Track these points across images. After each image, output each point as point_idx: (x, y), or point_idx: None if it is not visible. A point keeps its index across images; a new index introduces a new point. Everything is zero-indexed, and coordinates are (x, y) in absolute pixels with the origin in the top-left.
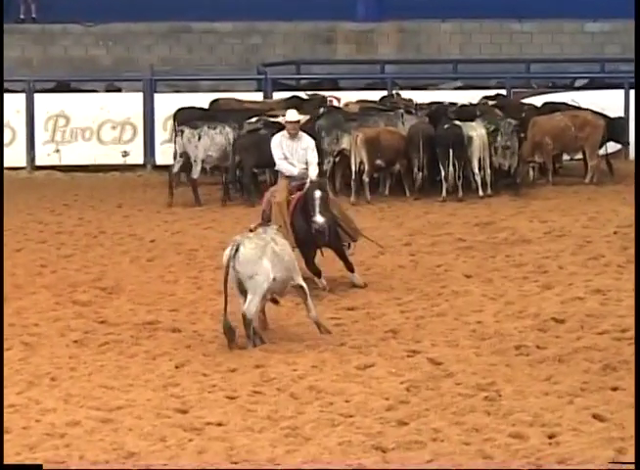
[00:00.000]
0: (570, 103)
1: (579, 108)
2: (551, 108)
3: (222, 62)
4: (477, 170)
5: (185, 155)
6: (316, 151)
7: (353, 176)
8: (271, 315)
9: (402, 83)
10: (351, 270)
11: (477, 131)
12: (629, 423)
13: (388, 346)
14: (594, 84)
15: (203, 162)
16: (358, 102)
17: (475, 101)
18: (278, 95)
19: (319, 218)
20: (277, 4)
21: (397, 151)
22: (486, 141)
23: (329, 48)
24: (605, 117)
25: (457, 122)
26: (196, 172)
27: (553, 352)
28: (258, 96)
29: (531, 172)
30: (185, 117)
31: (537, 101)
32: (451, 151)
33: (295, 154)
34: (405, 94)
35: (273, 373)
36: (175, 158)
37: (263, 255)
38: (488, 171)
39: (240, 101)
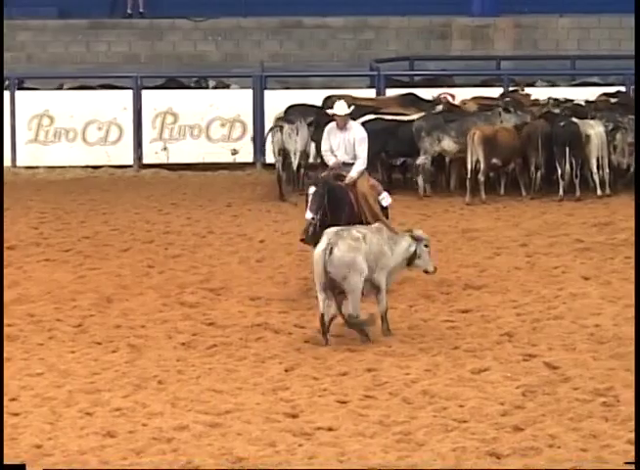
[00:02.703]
0: None
1: None
2: None
3: (334, 58)
4: (595, 169)
5: (284, 151)
6: (366, 143)
7: (469, 175)
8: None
9: (518, 80)
10: None
11: (595, 129)
12: None
13: (504, 349)
14: None
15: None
16: (474, 99)
17: (593, 98)
18: (391, 92)
19: (308, 214)
20: None
21: (514, 149)
22: (605, 139)
23: (443, 44)
24: None
25: (574, 120)
26: (295, 166)
27: None
28: (371, 93)
29: None
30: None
31: None
32: (568, 149)
33: (341, 145)
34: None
35: (385, 377)
36: (277, 155)
37: (357, 253)
38: (607, 170)
39: (353, 98)
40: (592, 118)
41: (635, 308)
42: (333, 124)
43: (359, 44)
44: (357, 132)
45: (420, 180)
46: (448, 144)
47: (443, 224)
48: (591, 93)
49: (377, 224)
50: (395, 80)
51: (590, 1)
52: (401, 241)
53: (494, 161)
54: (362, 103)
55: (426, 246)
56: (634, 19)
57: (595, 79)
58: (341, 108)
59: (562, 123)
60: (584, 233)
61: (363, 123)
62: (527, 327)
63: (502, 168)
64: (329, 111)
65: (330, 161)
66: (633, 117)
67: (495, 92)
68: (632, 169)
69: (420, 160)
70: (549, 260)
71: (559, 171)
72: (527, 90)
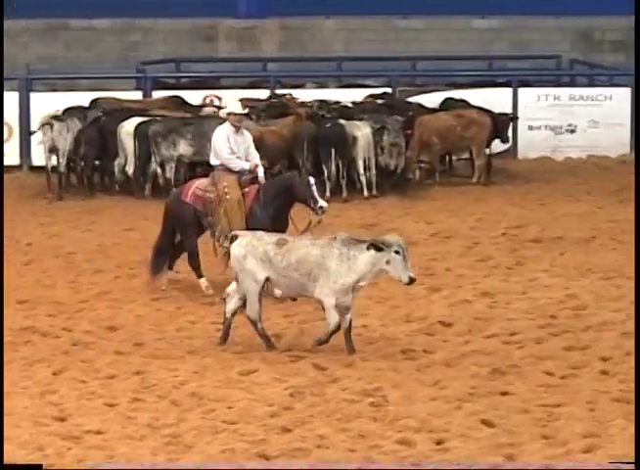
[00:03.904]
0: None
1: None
2: (450, 105)
3: (101, 60)
4: (362, 170)
5: (55, 149)
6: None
7: None
8: (151, 320)
9: (286, 81)
10: None
11: (361, 131)
12: (518, 428)
13: (272, 351)
14: (482, 82)
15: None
16: (240, 100)
17: (360, 99)
18: (158, 94)
19: (324, 203)
20: (157, 1)
21: (280, 151)
22: (372, 140)
23: (210, 46)
24: (492, 114)
25: (341, 121)
26: (62, 166)
27: (441, 356)
28: (138, 95)
29: (417, 173)
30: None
31: (432, 99)
32: (334, 150)
33: (239, 149)
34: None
35: (154, 379)
36: (47, 153)
37: (251, 255)
38: (374, 171)
39: (119, 100)
40: (359, 120)
41: (635, 308)
42: (226, 127)
43: (126, 46)
44: (248, 135)
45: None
46: (184, 148)
47: None
48: (358, 94)
49: (341, 235)
50: (162, 82)
51: (357, 3)
52: (361, 256)
53: (261, 162)
54: (129, 105)
55: (397, 252)
56: (634, 19)
57: (370, 82)
58: (237, 106)
59: (328, 125)
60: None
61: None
62: (295, 328)
63: (268, 170)
64: (222, 110)
65: (243, 165)
66: (399, 117)
67: (263, 94)
68: (399, 170)
69: (152, 166)
70: None
71: (325, 173)
72: (297, 92)
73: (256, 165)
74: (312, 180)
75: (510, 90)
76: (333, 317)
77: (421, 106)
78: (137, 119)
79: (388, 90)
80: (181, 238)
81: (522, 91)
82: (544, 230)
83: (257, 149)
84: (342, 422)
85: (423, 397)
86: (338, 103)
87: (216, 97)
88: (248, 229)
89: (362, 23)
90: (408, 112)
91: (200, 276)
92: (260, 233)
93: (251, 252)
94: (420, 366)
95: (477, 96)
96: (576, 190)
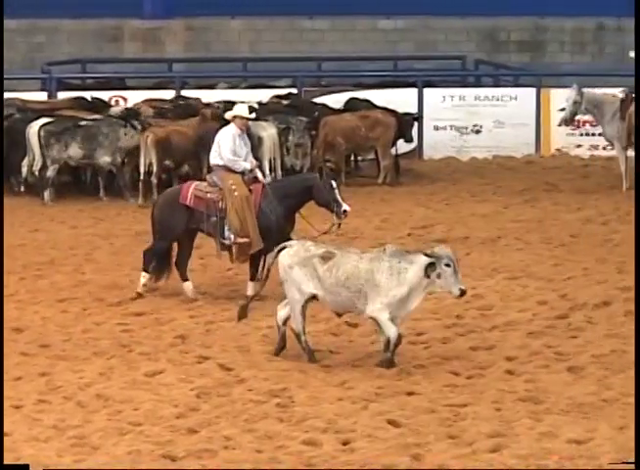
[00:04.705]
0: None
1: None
2: (355, 106)
3: (6, 61)
4: (267, 171)
5: None
6: None
7: (142, 177)
8: (57, 321)
9: (192, 82)
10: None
11: (267, 131)
12: (425, 428)
13: (178, 352)
14: (387, 83)
15: None
16: (146, 101)
17: (265, 100)
18: (63, 95)
19: (347, 206)
20: (62, 1)
21: (187, 151)
22: (277, 141)
23: (116, 46)
24: (396, 114)
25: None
26: None
27: (347, 356)
28: (43, 96)
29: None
30: None
31: (337, 99)
32: None
33: (242, 152)
34: (194, 93)
35: (59, 381)
36: None
37: (299, 265)
38: (280, 172)
39: (24, 101)
40: (264, 120)
41: (635, 308)
42: (233, 129)
43: (31, 47)
44: (247, 138)
45: (46, 193)
46: (74, 150)
47: (116, 227)
48: (264, 95)
49: (390, 247)
50: (67, 83)
51: (262, 3)
52: (412, 267)
53: (167, 162)
54: (34, 106)
55: (447, 265)
56: (634, 20)
57: (284, 82)
58: (244, 110)
59: None
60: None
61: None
62: (201, 329)
63: (175, 170)
64: (229, 113)
65: (246, 166)
66: (304, 118)
67: (168, 95)
68: (305, 171)
69: (50, 171)
70: (222, 263)
71: None
72: (203, 93)
73: (257, 166)
74: (334, 183)
75: (415, 91)
76: (391, 330)
77: (326, 106)
78: (44, 120)
79: (294, 91)
80: (157, 238)
81: (427, 91)
82: (450, 230)
83: (164, 150)
84: (249, 423)
85: (329, 397)
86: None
87: (122, 98)
88: (263, 226)
89: (267, 23)
90: (313, 112)
91: (146, 272)
92: (308, 243)
93: (299, 262)
94: (326, 367)
95: (382, 96)
96: (482, 190)
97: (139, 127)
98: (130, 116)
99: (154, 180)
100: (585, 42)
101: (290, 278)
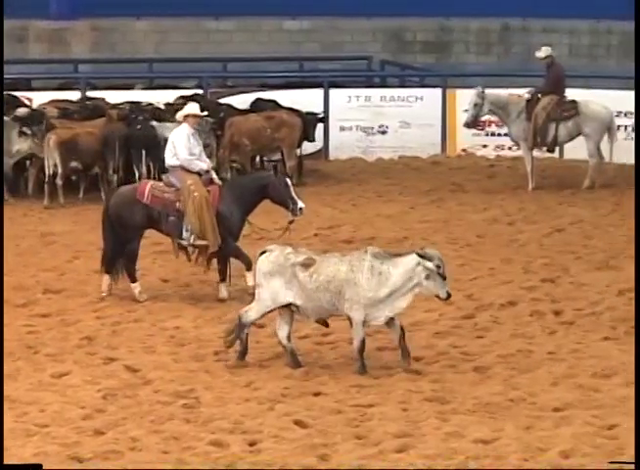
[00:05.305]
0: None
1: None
2: (261, 106)
3: None
4: None
5: None
6: None
7: (47, 179)
8: None
9: (98, 83)
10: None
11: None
12: (332, 429)
13: (84, 353)
14: (293, 83)
15: None
16: (51, 102)
17: (171, 101)
18: None
19: (302, 204)
20: None
21: (95, 153)
22: None
23: (21, 47)
24: (301, 114)
25: (152, 123)
26: None
27: (253, 357)
28: None
29: (229, 174)
30: None
31: (244, 100)
32: (145, 152)
33: (195, 150)
34: (100, 94)
35: None
36: None
37: (277, 273)
38: None
39: None
40: (170, 122)
41: (635, 308)
42: (186, 129)
43: None
44: (199, 138)
45: None
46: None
47: (22, 228)
48: (169, 96)
49: (372, 248)
50: None
51: (167, 4)
52: (396, 271)
53: (74, 164)
54: None
55: (437, 266)
56: (634, 21)
57: (190, 83)
58: (196, 108)
59: (139, 126)
60: (160, 236)
61: None
62: (108, 330)
63: (83, 172)
64: (180, 113)
65: (202, 166)
66: (210, 119)
67: (73, 95)
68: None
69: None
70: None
71: (137, 174)
72: (104, 94)
73: (212, 166)
74: (289, 181)
75: (321, 91)
76: (358, 333)
77: (232, 107)
78: None
79: (200, 91)
80: (125, 240)
81: (333, 92)
82: (356, 231)
83: (68, 151)
84: (156, 424)
85: (236, 398)
86: (150, 105)
87: (27, 98)
88: (223, 226)
89: (173, 24)
90: (219, 113)
91: (134, 281)
92: (287, 250)
93: (279, 271)
94: (232, 368)
95: (288, 97)
96: (388, 191)
97: (36, 131)
98: (33, 118)
99: (59, 182)
100: (491, 43)
101: (267, 285)
